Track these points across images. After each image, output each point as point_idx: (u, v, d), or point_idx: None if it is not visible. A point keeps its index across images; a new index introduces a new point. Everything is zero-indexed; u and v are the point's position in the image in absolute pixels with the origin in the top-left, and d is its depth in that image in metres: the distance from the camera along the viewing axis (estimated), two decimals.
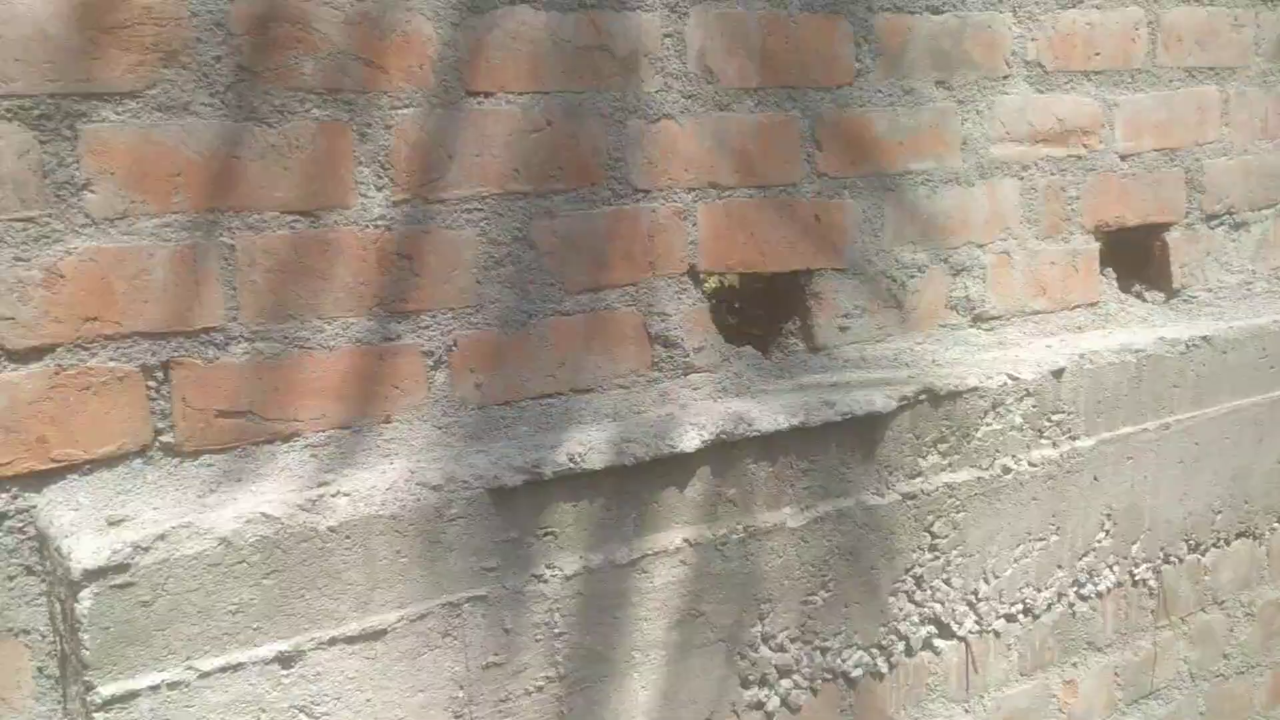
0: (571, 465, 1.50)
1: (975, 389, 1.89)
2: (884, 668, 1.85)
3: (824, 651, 1.78)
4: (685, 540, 1.62)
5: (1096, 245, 2.29)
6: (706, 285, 1.87)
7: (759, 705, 1.72)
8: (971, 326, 2.12)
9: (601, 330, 1.73)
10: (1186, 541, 2.23)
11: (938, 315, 2.08)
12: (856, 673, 1.82)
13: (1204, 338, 2.20)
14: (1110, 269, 2.37)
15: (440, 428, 1.59)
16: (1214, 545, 2.29)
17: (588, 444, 1.53)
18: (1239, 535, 2.33)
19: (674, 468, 1.60)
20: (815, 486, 1.74)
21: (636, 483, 1.58)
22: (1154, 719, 2.24)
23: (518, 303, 1.65)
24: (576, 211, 1.70)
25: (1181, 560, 2.23)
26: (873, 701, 1.85)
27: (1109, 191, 2.29)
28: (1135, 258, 2.42)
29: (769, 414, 1.68)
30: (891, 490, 1.82)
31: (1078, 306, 2.28)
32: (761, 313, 2.02)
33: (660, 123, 1.76)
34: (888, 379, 1.86)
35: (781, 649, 1.73)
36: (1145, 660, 2.21)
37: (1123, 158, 2.30)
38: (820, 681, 1.78)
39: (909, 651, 1.88)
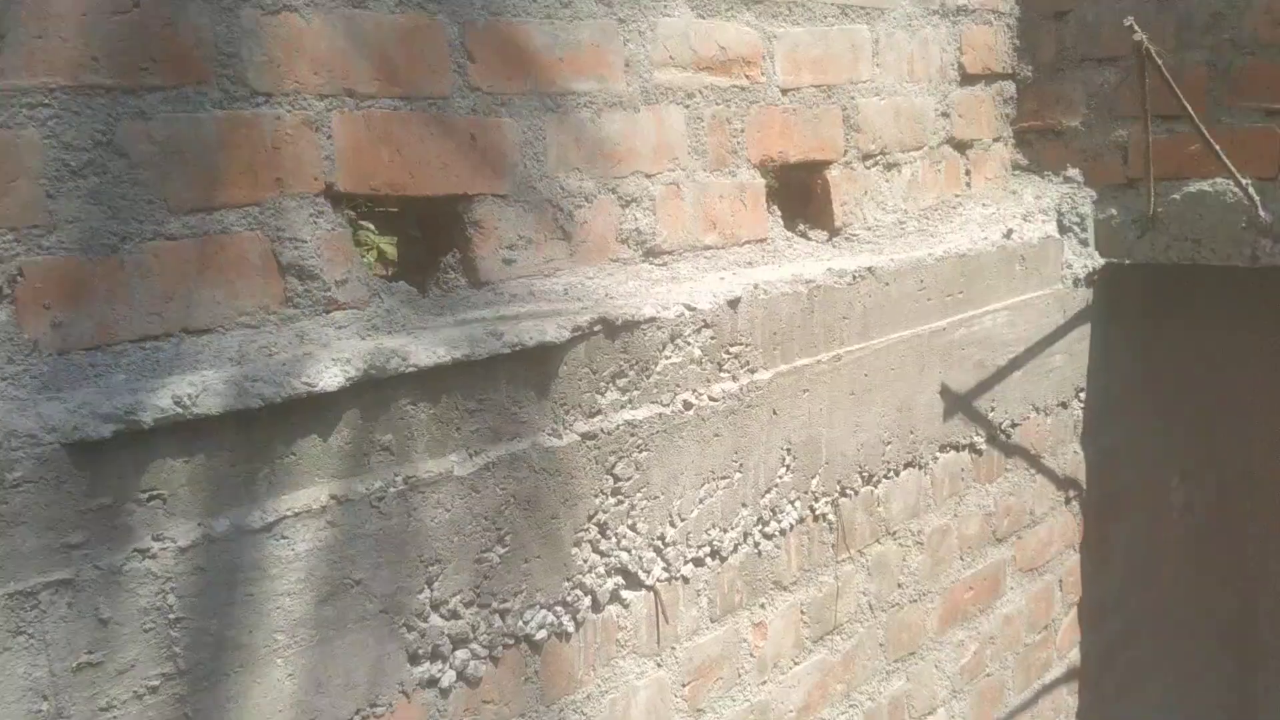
0: (180, 410, 1.22)
1: (653, 319, 1.77)
2: (570, 626, 1.69)
3: (503, 614, 1.59)
4: (332, 497, 1.38)
5: (763, 181, 2.24)
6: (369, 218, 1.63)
7: (432, 682, 1.50)
8: (644, 261, 2.00)
9: (219, 258, 1.44)
10: (860, 473, 2.23)
11: (609, 248, 1.94)
12: (540, 635, 1.64)
13: (869, 269, 2.20)
14: (776, 207, 2.33)
15: (5, 378, 1.25)
16: (885, 476, 2.30)
17: (201, 385, 1.25)
18: (906, 465, 2.36)
19: (314, 411, 1.36)
20: (485, 429, 1.54)
21: (268, 431, 1.32)
22: (839, 654, 2.23)
23: (105, 223, 1.34)
24: (179, 114, 1.40)
25: (857, 492, 2.23)
26: (560, 664, 1.68)
27: (772, 125, 2.25)
28: (798, 196, 2.41)
29: (427, 347, 1.46)
30: (569, 430, 1.65)
31: (747, 243, 2.22)
32: (417, 245, 1.80)
33: (281, 15, 1.49)
34: (560, 311, 1.69)
35: (455, 615, 1.52)
36: (828, 595, 2.19)
37: (784, 92, 2.27)
38: (501, 648, 1.59)
39: (596, 606, 1.73)
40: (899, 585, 2.37)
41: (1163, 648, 3.58)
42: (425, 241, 1.78)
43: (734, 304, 1.90)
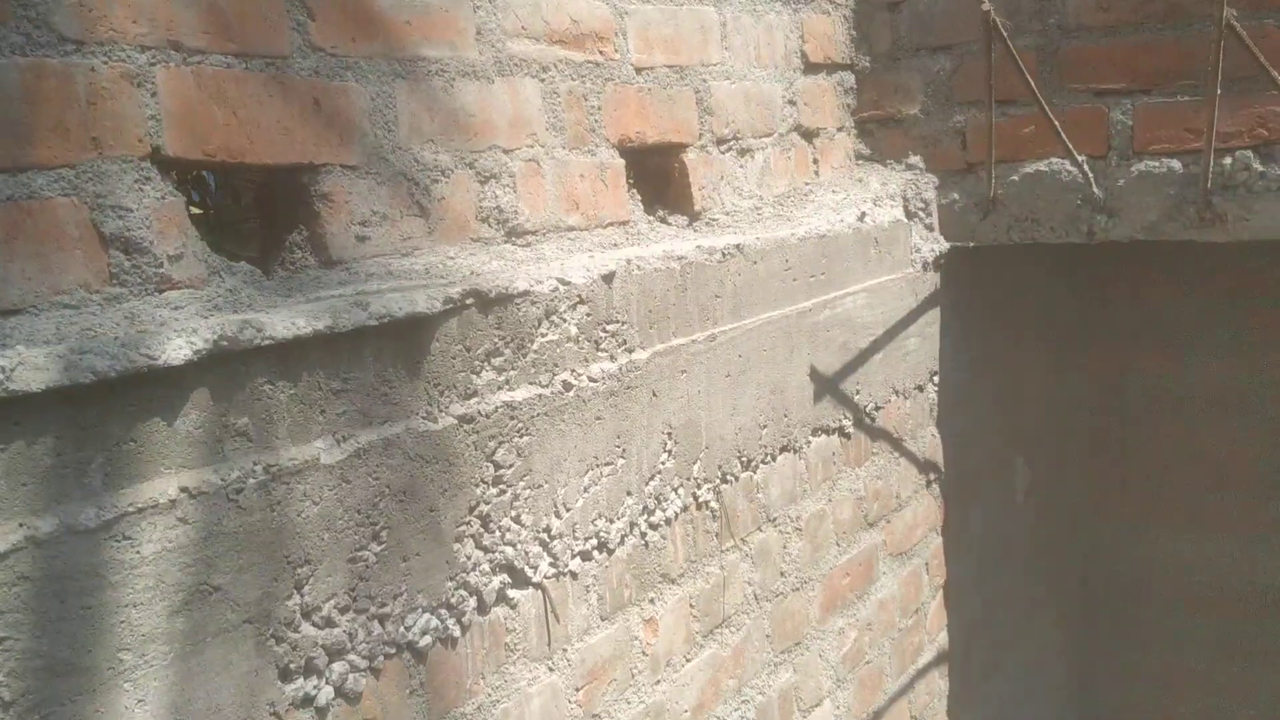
0: None
1: (526, 293, 1.64)
2: (456, 631, 1.53)
3: (383, 620, 1.42)
4: (183, 489, 1.19)
5: (622, 161, 2.15)
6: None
7: (307, 700, 1.32)
8: (506, 241, 1.87)
9: (28, 227, 1.24)
10: (740, 458, 2.15)
11: (469, 227, 1.81)
12: (424, 641, 1.47)
13: (737, 246, 2.13)
14: (635, 191, 2.24)
15: None
16: (763, 461, 2.23)
17: (16, 358, 1.05)
18: (782, 450, 2.30)
19: (157, 389, 1.17)
20: (353, 411, 1.38)
21: (101, 412, 1.12)
22: (728, 648, 2.13)
23: None
24: None
25: (737, 478, 2.15)
26: (446, 674, 1.52)
27: (628, 104, 2.17)
28: (656, 179, 2.32)
29: (284, 319, 1.29)
30: (445, 413, 1.51)
31: (610, 224, 2.12)
32: (258, 222, 1.62)
33: None
34: (425, 286, 1.55)
35: (330, 623, 1.35)
36: (715, 587, 2.09)
37: (638, 70, 2.19)
38: (382, 659, 1.42)
39: (482, 608, 1.58)
40: (781, 574, 2.30)
41: (1018, 626, 3.65)
42: (268, 217, 1.61)
43: (608, 279, 1.80)
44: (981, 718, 3.25)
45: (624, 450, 1.84)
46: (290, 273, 1.56)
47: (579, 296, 1.74)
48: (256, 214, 1.64)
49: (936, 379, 2.97)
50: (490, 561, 1.58)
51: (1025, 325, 3.69)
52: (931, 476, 2.96)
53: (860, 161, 3.02)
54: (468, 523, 1.54)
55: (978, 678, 3.25)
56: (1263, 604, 3.90)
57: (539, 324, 1.67)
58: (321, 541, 1.33)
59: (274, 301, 1.44)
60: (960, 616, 3.11)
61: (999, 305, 3.41)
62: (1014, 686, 3.56)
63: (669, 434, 1.95)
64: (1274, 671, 3.89)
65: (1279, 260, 3.47)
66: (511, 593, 1.63)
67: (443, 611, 1.50)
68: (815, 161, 2.81)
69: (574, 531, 1.74)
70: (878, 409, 2.67)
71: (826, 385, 2.45)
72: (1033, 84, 2.41)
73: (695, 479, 2.02)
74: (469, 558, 1.55)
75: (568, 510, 1.72)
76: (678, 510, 1.98)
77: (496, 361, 1.59)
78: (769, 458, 2.25)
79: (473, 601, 1.55)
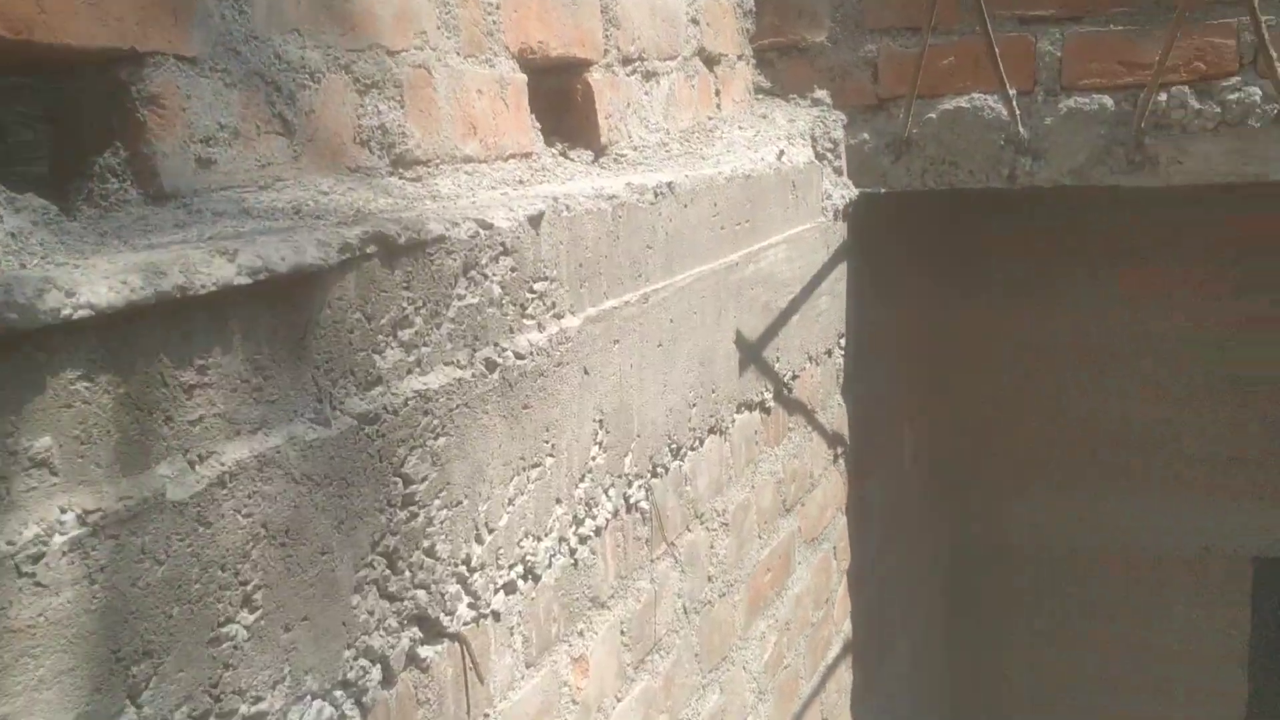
0: None
1: (441, 239, 1.19)
2: (356, 717, 1.09)
3: None
4: None
5: (524, 77, 1.72)
6: None
7: None
8: (392, 173, 1.41)
9: None
10: (670, 446, 1.77)
11: (345, 152, 1.34)
12: None
13: (669, 185, 1.74)
14: (534, 117, 1.81)
15: None
16: (692, 447, 1.86)
17: None
18: (710, 431, 1.93)
19: None
20: (213, 416, 0.91)
21: None
22: (660, 677, 1.76)
23: None
24: None
25: (667, 470, 1.77)
26: None
27: (530, 5, 1.73)
28: (555, 104, 1.89)
29: (108, 277, 0.81)
30: (340, 411, 1.05)
31: (512, 156, 1.68)
32: (49, 137, 1.11)
33: None
34: (304, 228, 1.08)
35: None
36: (647, 605, 1.72)
37: None
38: None
39: (388, 679, 1.14)
40: (709, 579, 1.94)
41: (908, 602, 3.45)
42: (66, 131, 1.10)
43: (535, 222, 1.37)
44: (876, 706, 3.01)
45: (554, 446, 1.43)
46: (102, 210, 1.07)
47: (503, 245, 1.31)
48: (46, 125, 1.13)
49: (843, 341, 2.67)
50: (398, 614, 1.15)
51: (910, 280, 3.46)
52: (839, 450, 2.67)
53: (760, 95, 2.66)
54: (370, 564, 1.10)
55: (874, 664, 3.01)
56: (1127, 562, 3.85)
57: (456, 281, 1.23)
58: (168, 620, 0.87)
59: (82, 251, 0.95)
60: (861, 601, 2.86)
61: (889, 260, 3.15)
62: (903, 667, 3.36)
63: (600, 421, 1.55)
64: (1140, 629, 3.85)
65: (1159, 212, 3.35)
66: (423, 651, 1.19)
67: (338, 694, 1.06)
68: (717, 93, 2.44)
69: (497, 558, 1.32)
70: (794, 378, 2.34)
71: (750, 353, 2.10)
72: (984, 7, 2.10)
73: (626, 475, 1.63)
74: (371, 612, 1.11)
75: (490, 532, 1.30)
76: (608, 516, 1.58)
77: (405, 335, 1.15)
78: (697, 442, 1.88)
79: (376, 672, 1.12)
